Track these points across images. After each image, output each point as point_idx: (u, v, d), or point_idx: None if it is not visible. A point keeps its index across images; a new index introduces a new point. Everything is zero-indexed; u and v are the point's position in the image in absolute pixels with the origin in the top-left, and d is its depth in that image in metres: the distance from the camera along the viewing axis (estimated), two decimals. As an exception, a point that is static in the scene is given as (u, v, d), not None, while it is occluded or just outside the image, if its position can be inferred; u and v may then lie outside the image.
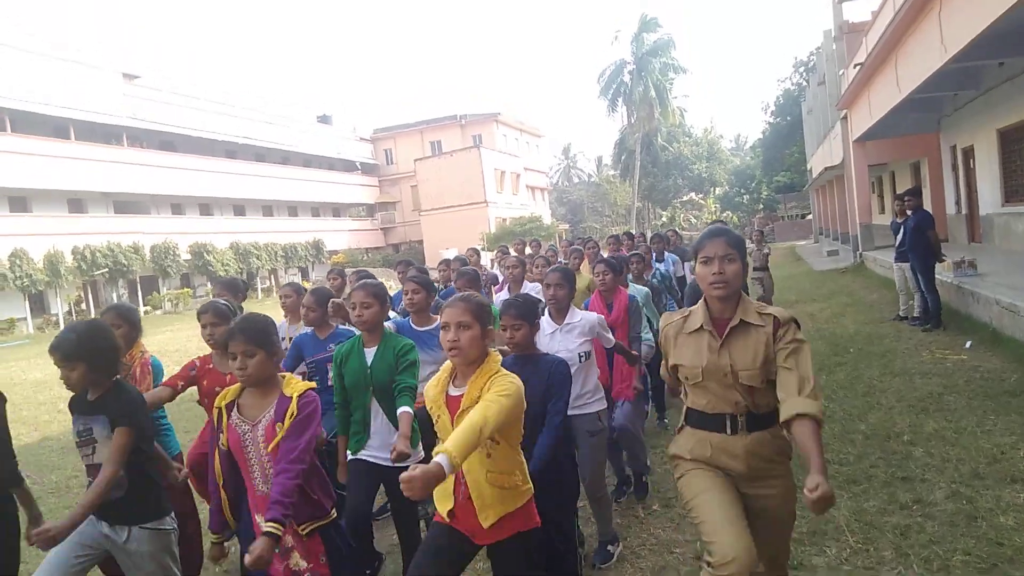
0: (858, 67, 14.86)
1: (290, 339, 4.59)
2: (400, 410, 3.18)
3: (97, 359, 2.72)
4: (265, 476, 2.53)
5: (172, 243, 34.74)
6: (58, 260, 29.26)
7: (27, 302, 29.35)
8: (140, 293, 33.91)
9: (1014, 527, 3.46)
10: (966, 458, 4.43)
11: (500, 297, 5.98)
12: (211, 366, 3.61)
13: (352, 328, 3.95)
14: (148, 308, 32.86)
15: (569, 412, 3.10)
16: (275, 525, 2.32)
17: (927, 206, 9.80)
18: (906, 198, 8.95)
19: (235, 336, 2.51)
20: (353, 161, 52.48)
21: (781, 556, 2.56)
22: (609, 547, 3.71)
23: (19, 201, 31.16)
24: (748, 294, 2.59)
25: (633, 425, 4.30)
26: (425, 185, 45.77)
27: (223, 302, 3.82)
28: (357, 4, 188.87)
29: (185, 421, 6.97)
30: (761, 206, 54.65)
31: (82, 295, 31.75)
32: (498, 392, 2.28)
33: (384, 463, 3.32)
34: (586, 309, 4.49)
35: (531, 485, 2.51)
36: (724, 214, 56.55)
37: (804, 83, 38.32)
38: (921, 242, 8.47)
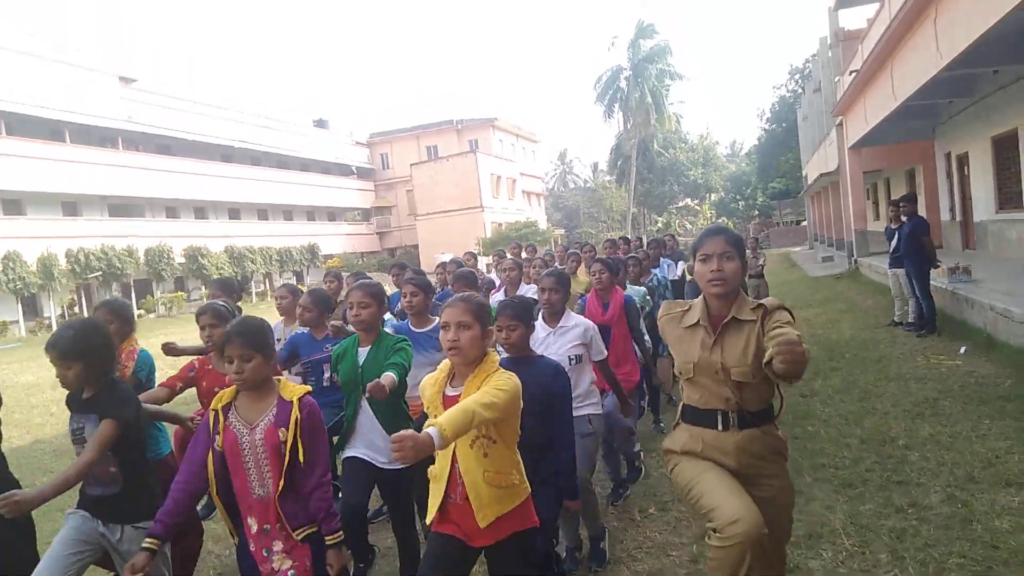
0: (854, 74, 14.94)
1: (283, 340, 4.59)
2: (384, 374, 3.10)
3: (93, 357, 2.71)
4: (262, 480, 2.50)
5: (167, 246, 34.65)
6: (51, 263, 29.16)
7: (19, 305, 29.22)
8: (134, 296, 33.78)
9: (1009, 530, 3.47)
10: (961, 462, 4.44)
11: (497, 299, 5.98)
12: (210, 367, 3.61)
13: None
14: (142, 311, 32.73)
15: None
16: (335, 535, 2.51)
17: (922, 213, 9.83)
18: (901, 204, 8.98)
19: (231, 339, 2.48)
20: (349, 165, 52.47)
21: (777, 562, 2.55)
22: (600, 544, 3.72)
23: (13, 204, 31.06)
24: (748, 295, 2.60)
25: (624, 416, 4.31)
26: (421, 190, 45.80)
27: (222, 303, 3.82)
28: (355, 9, 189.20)
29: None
30: (756, 212, 54.89)
31: (75, 298, 31.62)
32: (495, 386, 2.29)
33: (379, 464, 3.32)
34: (583, 307, 4.50)
35: (528, 484, 2.50)
36: (720, 220, 56.75)
37: (800, 90, 38.56)
38: (916, 248, 8.50)
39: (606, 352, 3.89)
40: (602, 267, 4.56)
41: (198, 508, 4.46)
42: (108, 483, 2.74)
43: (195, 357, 3.79)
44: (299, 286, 6.48)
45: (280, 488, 2.46)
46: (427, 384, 2.55)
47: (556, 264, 7.06)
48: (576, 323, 3.77)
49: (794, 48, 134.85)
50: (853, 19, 49.00)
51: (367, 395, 3.06)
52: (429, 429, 2.00)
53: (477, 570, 3.55)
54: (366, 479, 3.38)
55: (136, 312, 31.01)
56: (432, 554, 2.45)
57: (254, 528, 2.52)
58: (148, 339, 18.68)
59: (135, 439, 2.81)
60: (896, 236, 8.96)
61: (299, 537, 2.50)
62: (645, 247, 8.70)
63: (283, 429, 2.48)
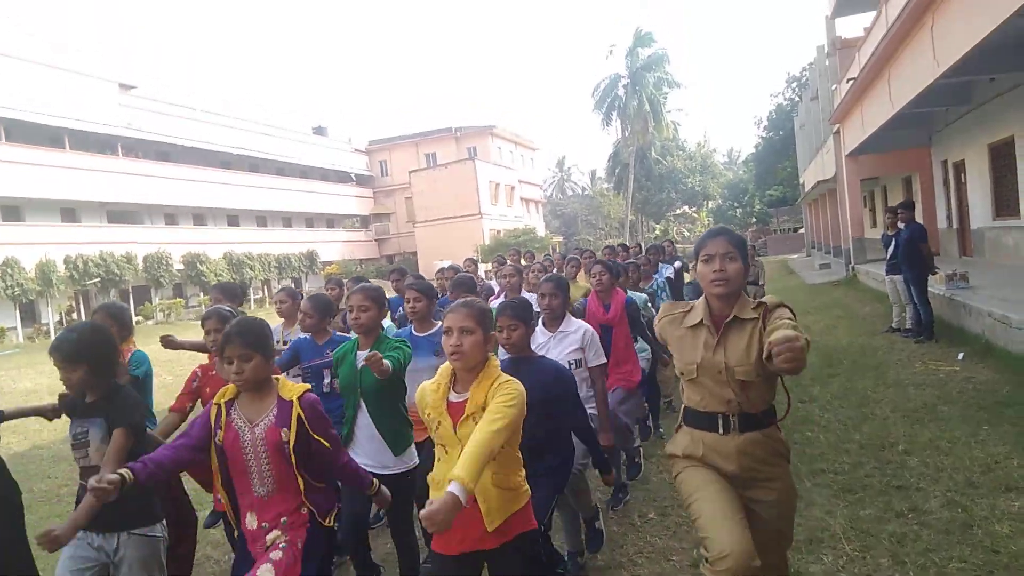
0: (851, 82, 15.01)
1: (285, 342, 4.59)
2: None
3: (97, 360, 2.70)
4: (263, 478, 2.50)
5: (165, 253, 34.58)
6: (50, 269, 29.07)
7: (17, 311, 29.14)
8: (132, 303, 33.68)
9: (1009, 535, 3.48)
10: (960, 467, 4.45)
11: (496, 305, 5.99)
12: (213, 373, 3.59)
13: (348, 336, 3.95)
14: (140, 318, 32.66)
15: None
16: (373, 487, 2.87)
17: (919, 220, 9.89)
18: (899, 211, 9.01)
19: (231, 340, 2.48)
20: (348, 172, 52.53)
21: (780, 568, 2.54)
22: (596, 524, 3.76)
23: (12, 210, 31.01)
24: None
25: (624, 413, 4.32)
26: (420, 197, 45.83)
27: (227, 308, 3.81)
28: (354, 16, 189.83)
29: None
30: (754, 219, 54.97)
31: (73, 304, 31.55)
32: (503, 402, 2.27)
33: (377, 470, 3.31)
34: (584, 308, 4.51)
35: (528, 487, 2.50)
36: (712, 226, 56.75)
37: (796, 98, 38.68)
38: (914, 254, 8.53)
39: (605, 359, 3.89)
40: (603, 269, 4.59)
41: (205, 516, 4.46)
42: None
43: (197, 367, 3.78)
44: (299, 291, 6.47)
45: (303, 486, 2.52)
46: (428, 390, 2.51)
47: (555, 271, 7.07)
48: (576, 327, 3.78)
49: (791, 56, 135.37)
50: (850, 28, 49.17)
51: (364, 365, 3.13)
52: (451, 486, 1.99)
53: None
54: (365, 496, 3.37)
55: (135, 318, 30.99)
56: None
57: (253, 525, 2.53)
58: (147, 346, 18.57)
59: (137, 444, 2.80)
60: (893, 243, 8.99)
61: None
62: (644, 254, 8.71)
63: (285, 429, 2.48)
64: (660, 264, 8.08)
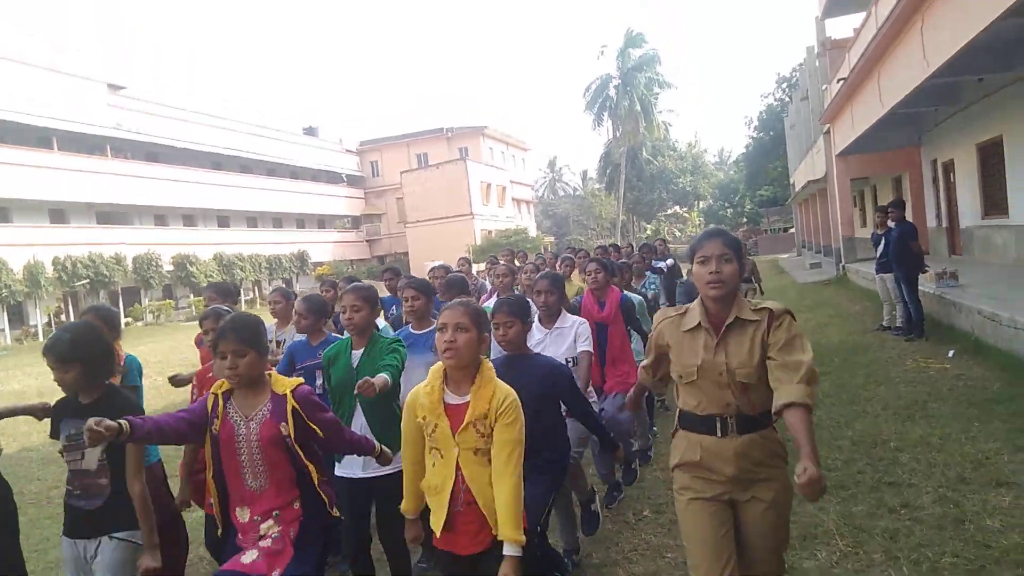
0: (841, 82, 15.10)
1: (277, 342, 4.57)
2: (378, 375, 3.08)
3: (91, 360, 2.68)
4: (255, 472, 2.50)
5: (155, 254, 34.40)
6: (38, 271, 28.85)
7: (5, 313, 28.91)
8: (122, 304, 33.46)
9: (1000, 529, 3.51)
10: (952, 463, 4.48)
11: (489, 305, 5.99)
12: (210, 375, 3.57)
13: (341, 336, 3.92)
14: (129, 319, 32.47)
15: None
16: (376, 449, 2.90)
17: (909, 219, 9.99)
18: (889, 209, 9.07)
19: (225, 336, 2.47)
20: (339, 173, 52.37)
21: (775, 569, 2.53)
22: (592, 506, 3.79)
23: (-1, 211, 30.82)
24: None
25: (624, 416, 4.33)
26: (411, 197, 45.71)
27: (225, 308, 3.80)
28: (345, 17, 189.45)
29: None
30: (745, 219, 55.19)
31: (62, 306, 31.31)
32: (508, 429, 2.37)
33: (371, 472, 3.27)
34: (579, 306, 4.52)
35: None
36: (709, 226, 56.93)
37: (787, 99, 38.88)
38: (905, 253, 8.58)
39: (591, 347, 3.86)
40: (598, 266, 4.60)
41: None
42: (95, 495, 2.67)
43: (194, 378, 3.77)
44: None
45: (316, 478, 2.56)
46: (420, 393, 2.48)
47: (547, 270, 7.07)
48: (572, 323, 3.78)
49: (781, 57, 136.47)
50: (839, 28, 49.37)
51: (357, 392, 3.04)
52: (505, 549, 2.27)
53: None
54: (363, 503, 3.35)
55: (124, 320, 30.84)
56: None
57: (244, 518, 2.52)
58: (136, 347, 18.55)
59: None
60: (883, 241, 9.04)
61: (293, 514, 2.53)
62: (637, 252, 8.75)
63: (283, 424, 2.48)
64: (653, 262, 8.13)
